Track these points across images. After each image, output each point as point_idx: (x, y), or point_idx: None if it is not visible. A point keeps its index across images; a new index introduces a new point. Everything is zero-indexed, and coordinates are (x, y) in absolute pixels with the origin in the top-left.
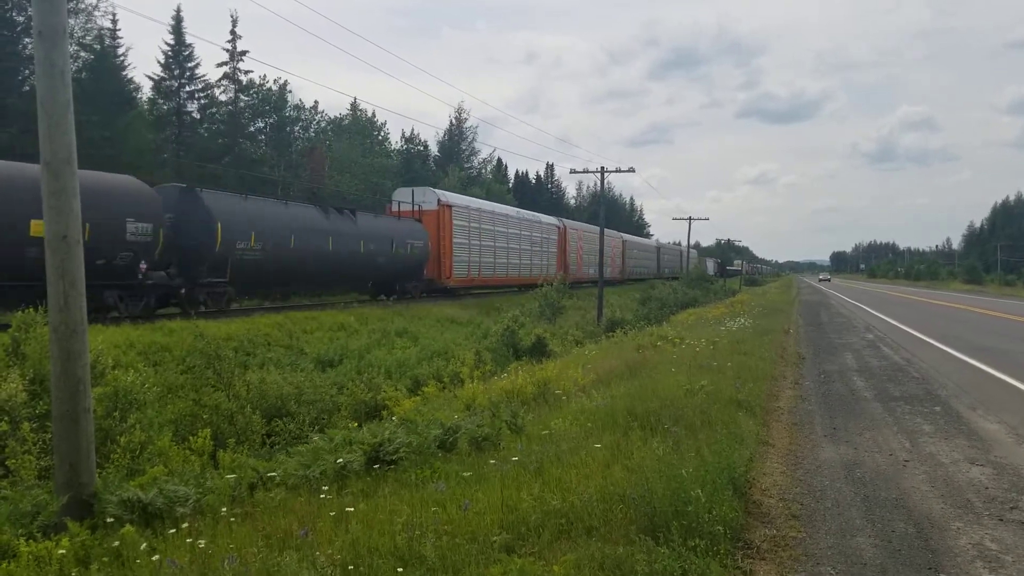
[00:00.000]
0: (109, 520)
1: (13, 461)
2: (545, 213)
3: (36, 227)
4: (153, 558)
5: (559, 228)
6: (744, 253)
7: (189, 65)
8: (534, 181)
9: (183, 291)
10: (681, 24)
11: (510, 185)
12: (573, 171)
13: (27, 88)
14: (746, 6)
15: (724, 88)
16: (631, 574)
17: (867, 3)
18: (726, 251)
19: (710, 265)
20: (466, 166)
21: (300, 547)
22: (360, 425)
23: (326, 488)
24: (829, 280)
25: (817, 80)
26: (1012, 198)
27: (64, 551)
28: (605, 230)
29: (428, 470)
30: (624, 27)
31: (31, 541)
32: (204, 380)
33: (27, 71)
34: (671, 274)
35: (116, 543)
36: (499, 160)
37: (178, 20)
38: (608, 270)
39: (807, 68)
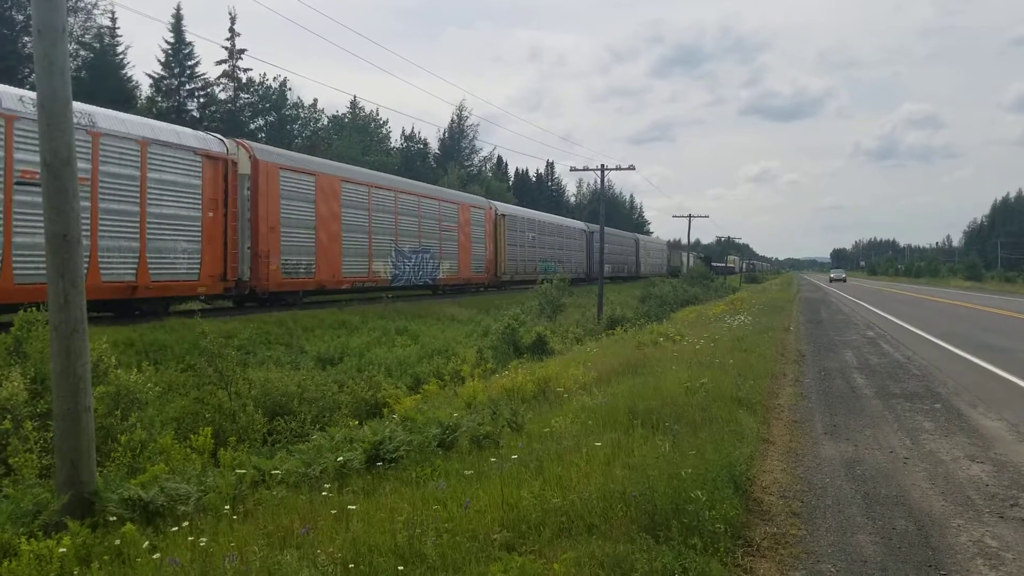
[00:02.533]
0: (110, 519)
1: (15, 459)
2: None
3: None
4: (154, 556)
5: (224, 161)
6: (744, 250)
7: (189, 63)
8: (534, 179)
9: None
10: (685, 22)
11: (510, 183)
12: (573, 168)
13: (27, 87)
14: (749, 4)
15: (728, 85)
16: (631, 572)
17: (871, 1)
18: (726, 248)
19: (689, 262)
20: (466, 164)
21: (301, 545)
22: (361, 423)
23: (327, 486)
24: (844, 280)
25: (820, 77)
26: (1013, 195)
27: (65, 549)
28: (452, 192)
29: (429, 468)
30: (627, 25)
31: (32, 540)
32: (205, 378)
33: (27, 69)
34: (614, 272)
35: (117, 541)
36: (499, 158)
37: (178, 18)
38: (448, 266)
39: (811, 65)
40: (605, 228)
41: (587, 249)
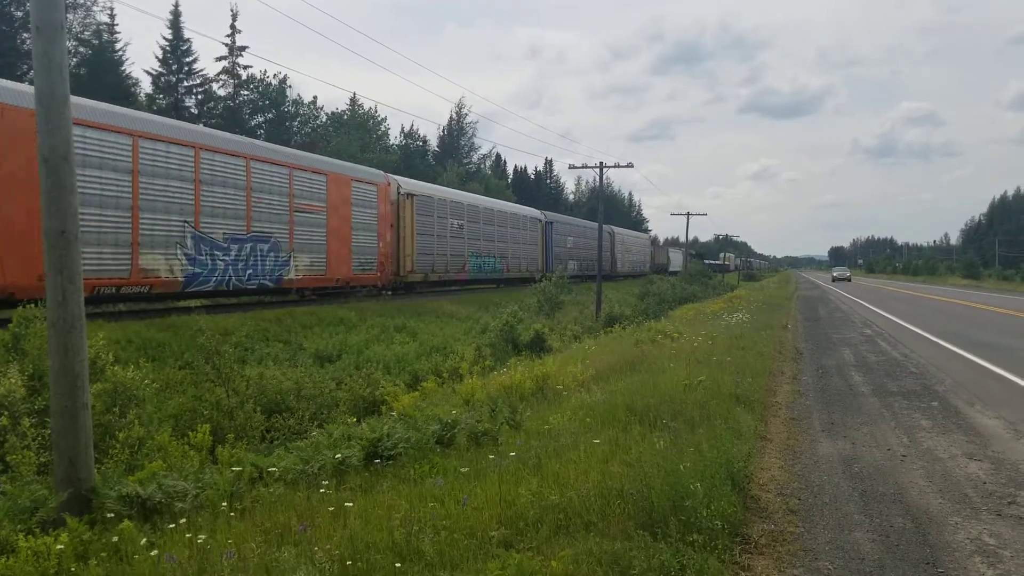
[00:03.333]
0: (108, 515)
1: (13, 456)
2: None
3: None
4: (152, 553)
5: None
6: (742, 248)
7: (187, 60)
8: (533, 177)
9: None
10: (685, 20)
11: (509, 181)
12: (572, 166)
13: (26, 83)
14: (749, 2)
15: (727, 83)
16: (629, 569)
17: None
18: (724, 246)
19: (676, 259)
20: (465, 161)
21: (298, 542)
22: (359, 420)
23: (325, 483)
24: (848, 279)
25: (820, 75)
26: (1011, 193)
27: (63, 546)
28: (316, 158)
29: (426, 465)
30: (627, 23)
31: (30, 536)
32: (203, 376)
33: (25, 66)
34: (580, 271)
35: (115, 538)
36: (498, 155)
37: (176, 15)
38: (308, 262)
39: (810, 63)
40: (567, 218)
41: (543, 242)
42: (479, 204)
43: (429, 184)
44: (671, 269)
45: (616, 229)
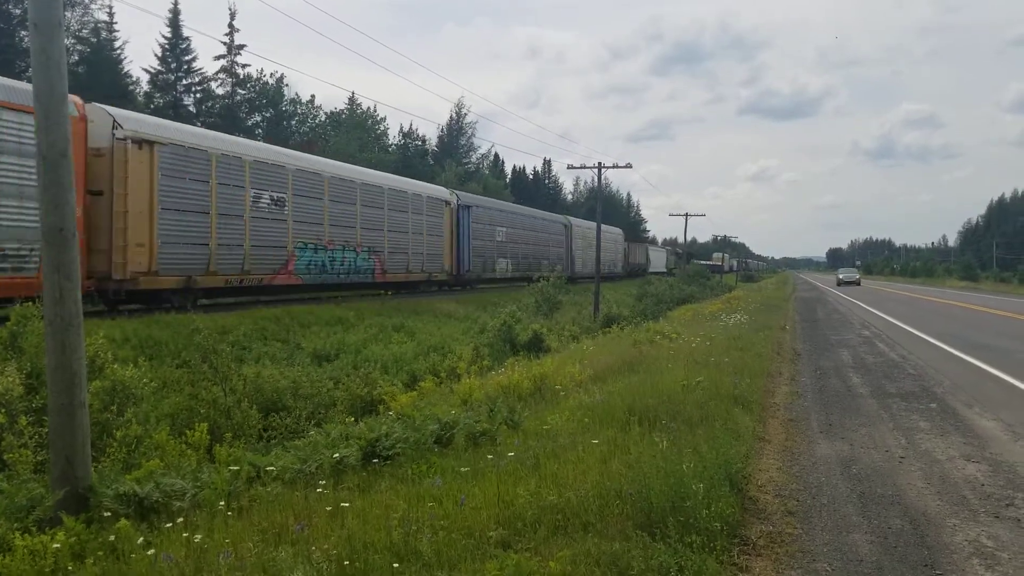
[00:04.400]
0: (105, 514)
1: (10, 455)
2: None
3: None
4: (148, 552)
5: None
6: (740, 249)
7: (186, 59)
8: (531, 177)
9: None
10: (684, 20)
11: (507, 180)
12: (570, 167)
13: (24, 80)
14: (748, 2)
15: (727, 84)
16: (627, 570)
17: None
18: (722, 246)
19: (658, 259)
20: (464, 161)
21: (296, 542)
22: (357, 420)
23: (322, 483)
24: (857, 282)
25: (819, 75)
26: (1008, 196)
27: (59, 545)
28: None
29: (424, 465)
30: (626, 23)
31: (26, 535)
32: (201, 374)
33: (24, 63)
34: (524, 270)
35: (112, 537)
36: (496, 155)
37: (175, 13)
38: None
39: (810, 64)
40: (495, 202)
41: (454, 233)
42: (322, 171)
43: (203, 130)
44: (651, 270)
45: (574, 221)
